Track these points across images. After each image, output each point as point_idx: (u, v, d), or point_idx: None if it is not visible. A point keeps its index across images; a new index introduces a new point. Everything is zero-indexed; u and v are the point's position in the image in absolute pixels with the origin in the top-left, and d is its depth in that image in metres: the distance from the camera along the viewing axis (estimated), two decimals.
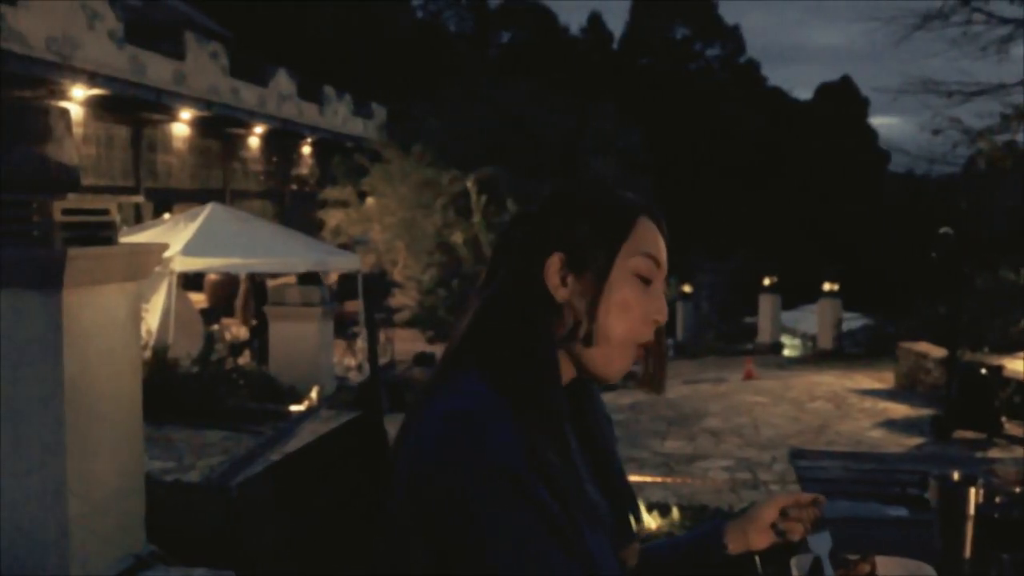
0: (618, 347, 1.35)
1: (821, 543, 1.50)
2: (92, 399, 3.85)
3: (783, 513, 1.55)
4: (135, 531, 4.20)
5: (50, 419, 3.69)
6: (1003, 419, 9.82)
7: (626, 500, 1.44)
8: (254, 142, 27.46)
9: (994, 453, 9.05)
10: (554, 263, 1.33)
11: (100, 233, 3.88)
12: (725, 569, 1.56)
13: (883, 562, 1.58)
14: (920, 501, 2.24)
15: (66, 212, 3.73)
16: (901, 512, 2.22)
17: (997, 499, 1.81)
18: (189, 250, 12.35)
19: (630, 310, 1.34)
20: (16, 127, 3.73)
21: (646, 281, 1.36)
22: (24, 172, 3.74)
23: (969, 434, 9.56)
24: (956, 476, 1.79)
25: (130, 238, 7.25)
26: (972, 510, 1.72)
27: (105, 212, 3.93)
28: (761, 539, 1.55)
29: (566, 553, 1.21)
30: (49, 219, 3.65)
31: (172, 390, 9.51)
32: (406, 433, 1.29)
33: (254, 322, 14.52)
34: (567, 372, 1.37)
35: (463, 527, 1.18)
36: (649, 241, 1.37)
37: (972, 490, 1.73)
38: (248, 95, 24.72)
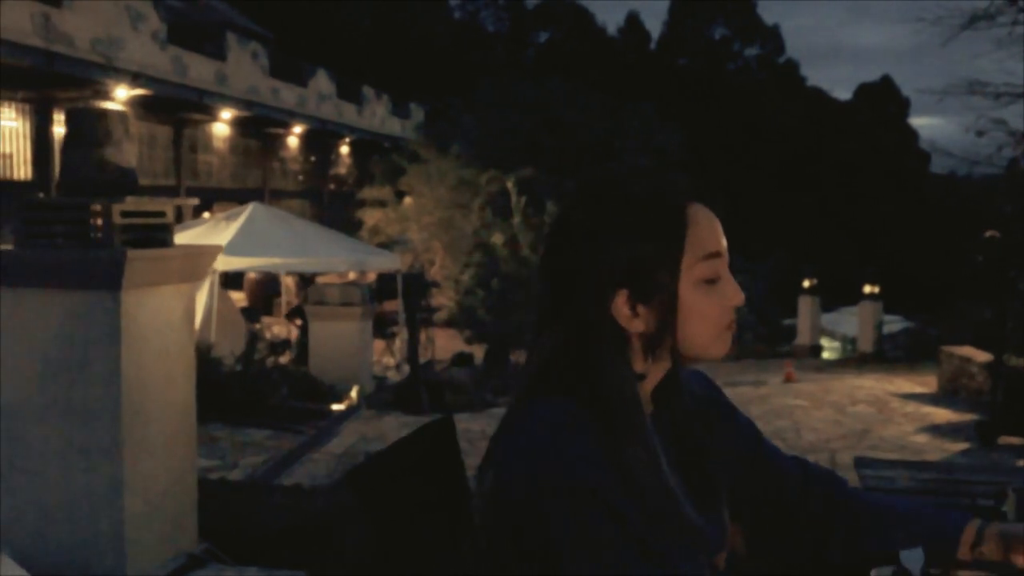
0: (703, 343, 1.34)
1: (914, 559, 1.47)
2: (148, 400, 3.90)
3: None
4: (188, 530, 4.25)
5: (107, 419, 3.74)
6: None
7: (717, 502, 1.43)
8: (293, 142, 27.67)
9: None
10: (621, 300, 1.31)
11: (157, 235, 3.93)
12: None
13: None
14: (993, 512, 2.22)
15: (124, 215, 3.78)
16: None
17: None
18: (231, 249, 12.43)
19: (706, 316, 1.33)
20: (77, 131, 3.79)
21: (716, 278, 1.34)
22: (84, 175, 3.80)
23: (1015, 440, 9.44)
24: None
25: None
26: None
27: (162, 214, 3.98)
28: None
29: (648, 567, 1.22)
30: (109, 221, 3.70)
31: (215, 388, 9.57)
32: (494, 448, 1.31)
33: (298, 321, 14.60)
34: (660, 373, 1.38)
35: (545, 540, 1.20)
36: (706, 237, 1.34)
37: None
38: (288, 95, 24.90)
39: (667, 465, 1.31)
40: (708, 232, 1.34)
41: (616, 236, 1.31)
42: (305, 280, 15.76)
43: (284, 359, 13.33)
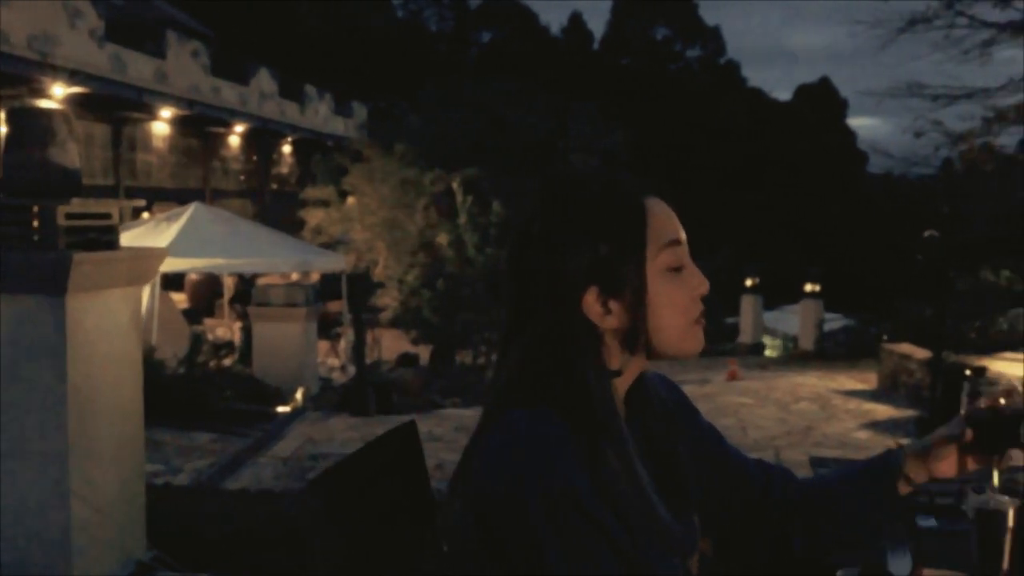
0: (678, 336, 1.36)
1: (901, 564, 1.48)
2: (95, 405, 3.82)
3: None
4: (137, 536, 4.18)
5: (54, 424, 3.66)
6: None
7: (689, 505, 1.44)
8: (234, 141, 27.40)
9: None
10: (591, 298, 1.32)
11: (103, 237, 3.85)
12: (891, 506, 1.56)
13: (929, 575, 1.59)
14: (949, 511, 2.25)
15: (69, 216, 3.70)
16: (931, 522, 2.23)
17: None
18: (173, 250, 12.17)
19: (675, 304, 1.34)
20: (18, 131, 3.71)
21: (679, 266, 1.35)
22: (26, 176, 3.71)
23: None
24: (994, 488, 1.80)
25: None
26: (1011, 522, 1.73)
27: (107, 216, 3.90)
28: (946, 466, 1.53)
29: (628, 572, 1.23)
30: (53, 223, 3.62)
31: (158, 392, 9.42)
32: (470, 457, 1.30)
33: (239, 323, 14.45)
34: (635, 373, 1.39)
35: (529, 549, 1.21)
36: (665, 226, 1.36)
37: (1011, 504, 1.74)
38: (229, 94, 24.64)
39: (641, 469, 1.32)
40: (666, 222, 1.37)
41: (579, 234, 1.32)
42: (245, 281, 15.59)
43: (228, 361, 13.20)
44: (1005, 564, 1.75)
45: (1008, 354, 13.08)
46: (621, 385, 1.38)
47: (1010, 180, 16.03)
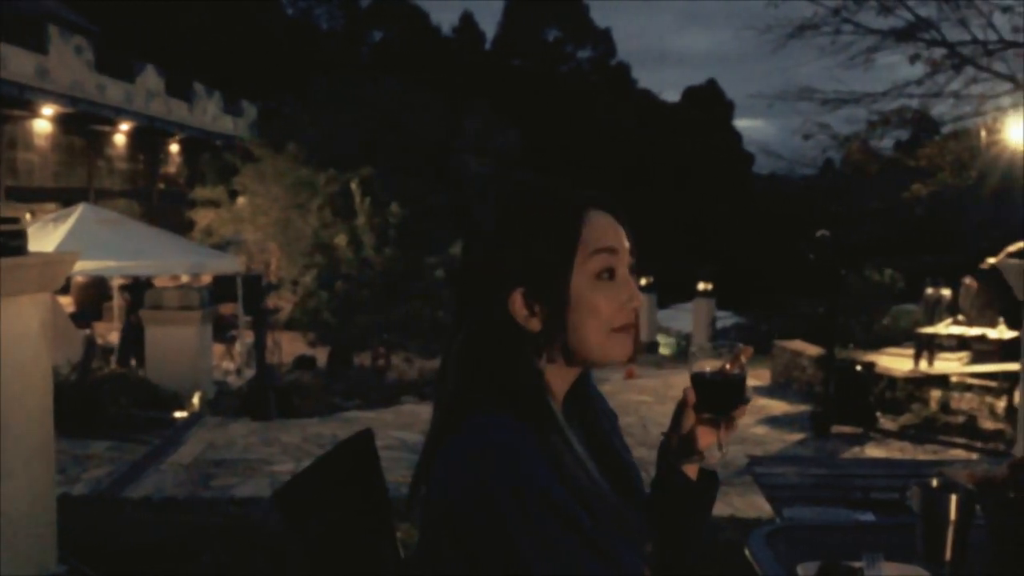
0: (598, 342, 1.38)
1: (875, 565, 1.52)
2: (5, 415, 3.70)
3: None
4: (48, 549, 4.05)
5: None
6: (877, 414, 10.25)
7: (633, 495, 1.47)
8: (120, 140, 26.67)
9: (870, 447, 9.45)
10: (517, 300, 1.36)
11: (11, 242, 3.72)
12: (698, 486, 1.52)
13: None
14: (885, 505, 2.34)
15: None
16: (869, 517, 2.31)
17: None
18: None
19: (599, 313, 1.37)
20: None
21: (610, 274, 1.38)
22: None
23: (846, 429, 9.95)
24: (935, 483, 1.89)
25: None
26: (954, 515, 1.81)
27: (16, 220, 3.78)
28: (702, 433, 1.49)
29: (601, 564, 1.27)
30: None
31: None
32: (430, 464, 1.32)
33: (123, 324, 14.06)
34: (568, 378, 1.42)
35: (505, 551, 1.23)
36: (601, 235, 1.39)
37: (954, 496, 1.83)
38: (114, 91, 24.01)
39: (589, 460, 1.37)
40: (603, 231, 1.40)
41: (513, 237, 1.37)
42: (139, 284, 15.19)
43: (116, 366, 12.87)
44: (948, 554, 1.83)
45: (892, 349, 13.58)
46: (557, 387, 1.41)
47: (892, 182, 16.62)
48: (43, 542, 4.03)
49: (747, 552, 2.00)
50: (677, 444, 1.50)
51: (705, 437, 1.48)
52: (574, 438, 1.38)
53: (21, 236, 3.77)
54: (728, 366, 1.43)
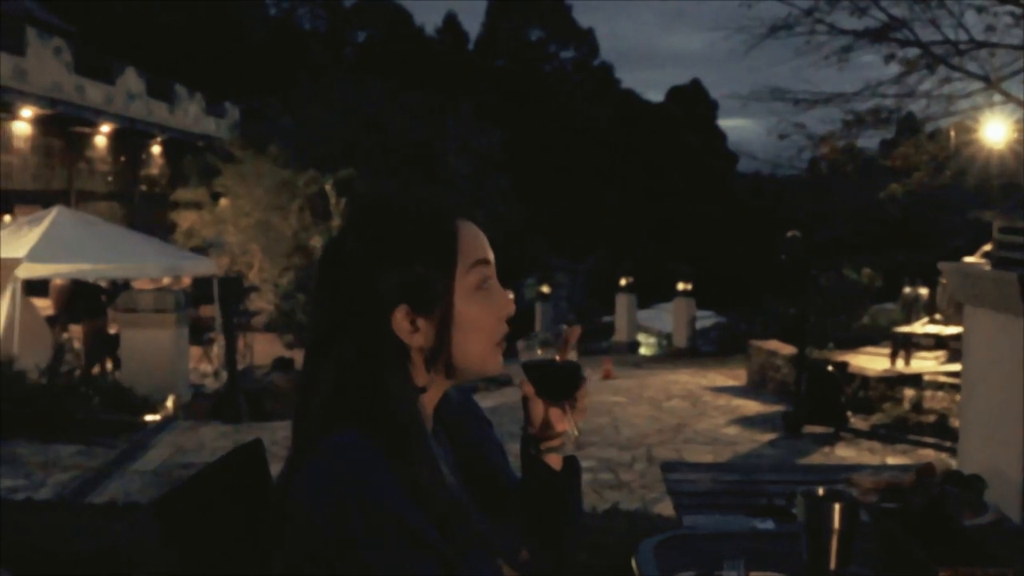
0: (480, 356, 1.40)
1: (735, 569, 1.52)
2: None
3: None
4: None
5: None
6: (848, 413, 10.28)
7: (504, 503, 1.48)
8: (101, 141, 26.59)
9: (841, 447, 9.47)
10: (400, 315, 1.36)
11: None
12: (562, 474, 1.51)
13: None
14: (786, 513, 2.35)
15: None
16: (768, 525, 2.32)
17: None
18: (35, 256, 11.85)
19: (481, 326, 1.39)
20: None
21: (486, 285, 1.40)
22: None
23: (818, 428, 9.96)
24: (821, 491, 1.90)
25: None
26: (837, 524, 1.82)
27: None
28: (553, 415, 1.48)
29: None
30: None
31: (18, 403, 9.12)
32: (288, 483, 1.32)
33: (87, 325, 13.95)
34: (441, 390, 1.43)
35: (356, 571, 1.23)
36: (473, 246, 1.40)
37: (837, 505, 1.83)
38: (94, 93, 23.94)
39: (452, 478, 1.37)
40: (475, 242, 1.41)
41: (391, 254, 1.36)
42: (118, 287, 15.13)
43: (94, 370, 12.82)
44: (832, 563, 1.83)
45: (870, 348, 13.62)
46: (429, 402, 1.42)
47: (873, 181, 16.67)
48: None
49: (632, 560, 2.00)
50: (538, 435, 1.50)
51: (559, 423, 1.48)
52: (440, 452, 1.38)
53: None
54: (558, 353, 1.44)
